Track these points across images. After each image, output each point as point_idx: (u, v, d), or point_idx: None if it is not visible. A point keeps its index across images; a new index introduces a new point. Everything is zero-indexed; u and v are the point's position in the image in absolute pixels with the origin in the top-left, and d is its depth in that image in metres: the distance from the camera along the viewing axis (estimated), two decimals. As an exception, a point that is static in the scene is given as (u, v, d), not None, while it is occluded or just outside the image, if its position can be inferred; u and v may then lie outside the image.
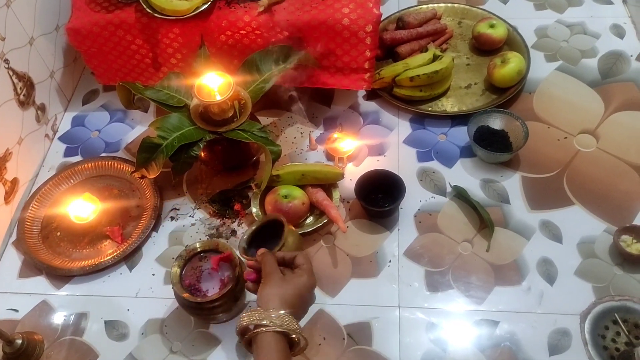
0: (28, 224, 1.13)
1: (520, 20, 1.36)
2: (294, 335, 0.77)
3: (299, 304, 0.80)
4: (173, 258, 1.03)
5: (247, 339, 0.78)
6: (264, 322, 0.75)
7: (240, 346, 0.96)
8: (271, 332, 0.75)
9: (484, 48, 1.32)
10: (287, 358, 0.76)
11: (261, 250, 0.86)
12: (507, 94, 1.21)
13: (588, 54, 1.31)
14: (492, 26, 1.29)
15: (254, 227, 0.94)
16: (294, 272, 0.84)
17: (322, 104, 1.28)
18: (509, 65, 1.20)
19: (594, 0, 1.42)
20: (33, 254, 1.09)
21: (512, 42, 1.31)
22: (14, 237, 1.13)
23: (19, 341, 0.95)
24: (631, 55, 1.29)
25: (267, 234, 0.94)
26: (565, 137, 1.17)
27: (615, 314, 0.92)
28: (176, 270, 0.93)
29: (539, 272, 1.00)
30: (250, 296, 1.01)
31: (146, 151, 1.01)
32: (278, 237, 0.91)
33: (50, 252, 1.10)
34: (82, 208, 1.10)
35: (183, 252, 0.95)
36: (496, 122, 1.16)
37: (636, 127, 1.17)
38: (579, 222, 1.05)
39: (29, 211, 1.14)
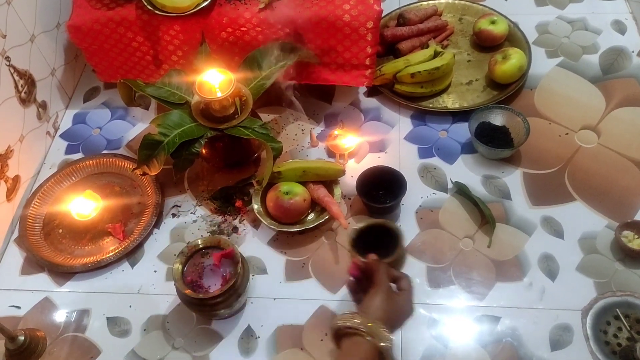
0: (30, 221, 1.13)
1: (521, 16, 1.36)
2: (384, 355, 0.76)
3: (396, 326, 0.82)
4: (175, 255, 1.03)
5: (342, 334, 0.77)
6: (369, 331, 0.75)
7: (242, 342, 0.97)
8: (370, 341, 0.75)
9: (485, 44, 1.32)
10: None
11: (373, 256, 0.85)
12: (508, 90, 1.21)
13: (589, 50, 1.30)
14: (493, 22, 1.29)
15: (363, 226, 0.97)
16: (400, 293, 0.84)
17: (323, 101, 1.28)
18: (510, 62, 1.20)
19: (595, -4, 1.42)
20: (35, 251, 1.09)
21: (513, 38, 1.31)
22: (15, 234, 1.13)
23: (22, 338, 0.96)
24: (632, 51, 1.29)
25: (373, 236, 0.97)
26: (567, 133, 1.17)
27: (617, 310, 0.92)
28: (178, 266, 0.93)
29: (541, 268, 1.00)
30: (251, 293, 1.01)
31: (147, 148, 1.02)
32: (388, 246, 0.93)
33: (52, 249, 1.10)
34: (83, 205, 1.10)
35: (185, 249, 0.95)
36: (497, 119, 1.16)
37: (637, 123, 1.17)
38: (581, 218, 1.05)
39: (31, 208, 1.14)
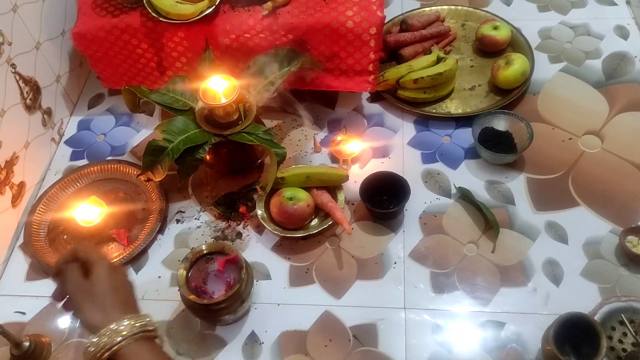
0: (35, 227, 1.14)
1: (524, 21, 1.37)
2: (151, 329, 0.72)
3: (120, 295, 0.74)
4: (179, 260, 1.03)
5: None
6: (117, 338, 0.69)
7: (246, 348, 0.97)
8: (132, 342, 0.69)
9: (488, 50, 1.32)
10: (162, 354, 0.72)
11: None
12: (512, 96, 1.21)
13: (592, 55, 1.31)
14: (495, 28, 1.30)
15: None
16: (89, 274, 0.75)
17: (326, 107, 1.28)
18: (513, 67, 1.20)
19: (598, 2, 1.42)
20: (40, 257, 1.09)
21: (516, 43, 1.31)
22: (20, 240, 1.14)
23: (27, 344, 0.96)
24: (635, 56, 1.29)
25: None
26: (570, 138, 1.17)
27: (622, 315, 0.91)
28: (182, 272, 0.93)
29: (545, 273, 1.00)
30: (255, 298, 1.01)
31: (152, 154, 1.02)
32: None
33: (57, 255, 1.10)
34: (88, 211, 1.10)
35: (189, 255, 0.95)
36: (500, 124, 1.16)
37: (641, 127, 1.17)
38: (585, 223, 1.05)
39: (36, 215, 1.15)
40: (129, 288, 0.78)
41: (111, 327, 0.70)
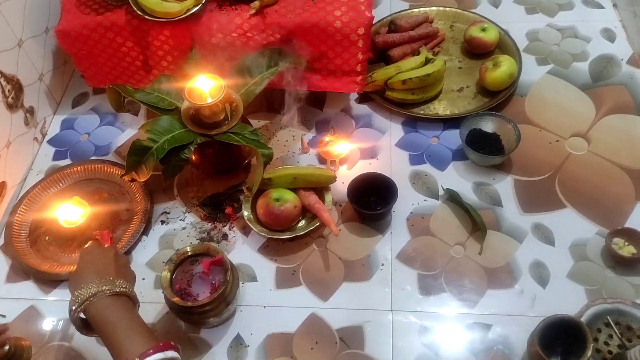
0: (16, 227, 1.11)
1: (512, 24, 1.37)
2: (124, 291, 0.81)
3: (98, 266, 0.83)
4: (163, 262, 1.02)
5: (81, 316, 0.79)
6: (90, 292, 0.78)
7: (231, 351, 0.95)
8: (104, 297, 0.78)
9: (476, 51, 1.32)
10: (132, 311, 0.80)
11: None
12: (499, 97, 1.21)
13: (579, 58, 1.31)
14: (483, 30, 1.30)
15: None
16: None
17: (314, 107, 1.27)
18: (501, 69, 1.20)
19: (585, 5, 1.42)
20: (21, 258, 1.07)
21: (504, 45, 1.31)
22: (1, 241, 1.12)
23: (7, 347, 0.94)
24: (622, 59, 1.29)
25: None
26: (557, 140, 1.17)
27: (608, 317, 0.91)
28: (166, 274, 0.92)
29: (532, 275, 1.00)
30: (241, 301, 1.00)
31: (136, 154, 1.00)
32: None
33: (38, 257, 1.08)
34: (71, 212, 1.08)
35: (173, 256, 0.94)
36: (488, 125, 1.16)
37: (627, 130, 1.17)
38: (571, 225, 1.05)
39: (17, 215, 1.13)
40: (110, 262, 0.85)
41: (86, 288, 0.79)
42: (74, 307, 0.79)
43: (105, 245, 0.90)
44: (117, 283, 0.81)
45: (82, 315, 0.79)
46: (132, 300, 0.82)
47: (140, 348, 0.73)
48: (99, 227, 1.11)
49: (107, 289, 0.79)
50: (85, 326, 0.81)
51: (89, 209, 1.10)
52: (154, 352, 0.72)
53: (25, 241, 1.11)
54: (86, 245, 0.89)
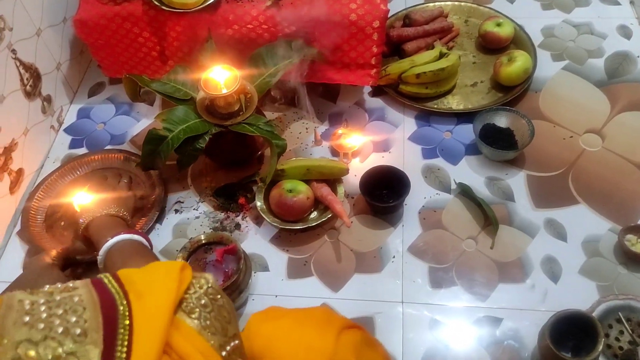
0: (32, 213, 1.13)
1: (527, 19, 1.36)
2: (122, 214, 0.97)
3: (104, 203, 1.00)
4: (177, 250, 1.03)
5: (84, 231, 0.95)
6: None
7: (242, 339, 0.96)
8: (102, 215, 0.95)
9: (491, 47, 1.32)
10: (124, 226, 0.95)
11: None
12: (513, 93, 1.21)
13: (595, 54, 1.30)
14: (498, 25, 1.29)
15: None
16: None
17: (328, 100, 1.28)
18: (516, 64, 1.20)
19: (601, 1, 1.42)
20: (37, 243, 1.09)
21: (519, 41, 1.31)
22: (18, 227, 1.13)
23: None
24: (638, 56, 1.29)
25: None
26: (571, 136, 1.17)
27: (619, 313, 0.91)
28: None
29: (543, 270, 1.00)
30: (253, 290, 1.01)
31: (152, 143, 1.01)
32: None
33: (54, 241, 1.10)
34: (86, 198, 1.09)
35: (187, 244, 0.95)
36: (502, 120, 1.16)
37: (642, 127, 1.17)
38: (584, 221, 1.05)
39: (34, 201, 1.14)
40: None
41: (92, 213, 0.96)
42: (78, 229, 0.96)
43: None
44: (122, 211, 0.99)
45: None
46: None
47: (116, 232, 0.88)
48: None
49: (109, 211, 0.97)
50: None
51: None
52: (125, 233, 0.87)
53: (41, 226, 1.12)
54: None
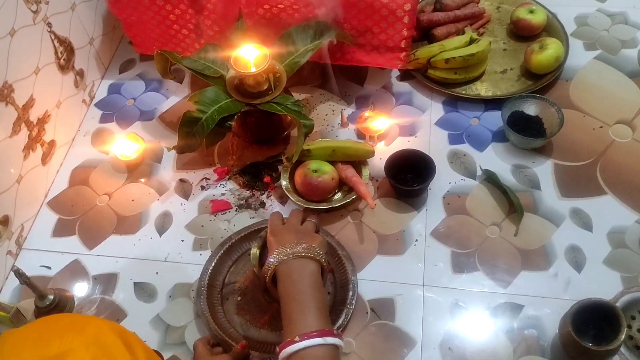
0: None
1: (561, 7, 1.34)
2: (313, 256, 0.82)
3: (297, 234, 0.86)
4: (202, 226, 1.04)
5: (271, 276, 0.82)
6: (308, 253, 0.82)
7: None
8: (293, 258, 0.81)
9: (522, 34, 1.30)
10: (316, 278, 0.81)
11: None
12: (544, 81, 1.20)
13: (628, 45, 1.28)
14: (531, 12, 1.27)
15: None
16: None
17: (355, 83, 1.28)
18: (547, 52, 1.18)
19: (637, -9, 1.39)
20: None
21: (551, 29, 1.29)
22: (49, 197, 1.16)
23: (51, 297, 0.98)
24: (673, 48, 1.26)
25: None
26: (601, 127, 1.15)
27: (643, 305, 0.91)
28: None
29: (567, 259, 0.99)
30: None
31: (187, 125, 1.03)
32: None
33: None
34: (126, 146, 1.16)
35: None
36: (531, 108, 1.15)
37: (675, 119, 1.15)
38: (611, 212, 1.04)
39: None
40: (308, 233, 0.87)
41: (281, 248, 0.83)
42: (272, 260, 0.82)
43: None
44: (314, 248, 0.83)
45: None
46: (322, 269, 0.83)
47: (305, 327, 0.75)
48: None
49: (301, 249, 0.82)
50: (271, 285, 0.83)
51: (143, 144, 1.18)
52: (317, 337, 0.73)
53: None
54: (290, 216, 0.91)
